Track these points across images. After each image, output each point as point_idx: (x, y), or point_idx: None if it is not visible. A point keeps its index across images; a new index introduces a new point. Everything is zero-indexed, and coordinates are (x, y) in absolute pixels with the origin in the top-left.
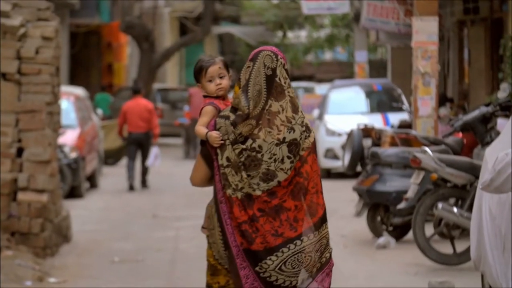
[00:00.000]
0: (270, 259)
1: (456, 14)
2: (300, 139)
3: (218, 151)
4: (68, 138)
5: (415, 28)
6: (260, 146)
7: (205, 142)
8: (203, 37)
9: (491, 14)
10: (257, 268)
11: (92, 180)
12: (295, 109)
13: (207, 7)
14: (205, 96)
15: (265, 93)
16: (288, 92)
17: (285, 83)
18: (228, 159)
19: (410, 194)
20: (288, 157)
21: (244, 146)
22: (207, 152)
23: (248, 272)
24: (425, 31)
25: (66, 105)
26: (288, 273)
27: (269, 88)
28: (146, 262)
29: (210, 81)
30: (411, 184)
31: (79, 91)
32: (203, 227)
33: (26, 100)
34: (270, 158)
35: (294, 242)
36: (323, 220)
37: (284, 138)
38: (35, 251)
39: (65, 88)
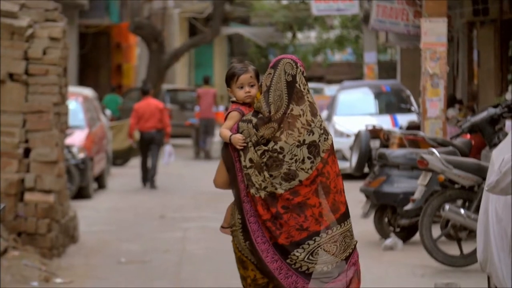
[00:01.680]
0: (297, 251)
1: (466, 15)
2: (319, 141)
3: (241, 153)
4: (76, 138)
5: (424, 29)
6: (281, 148)
7: (227, 145)
8: (212, 38)
9: (501, 16)
10: (288, 261)
11: (100, 181)
12: (313, 113)
13: (217, 8)
14: (232, 102)
15: (286, 98)
16: (307, 97)
17: (304, 88)
18: (251, 160)
19: (417, 195)
20: (309, 158)
21: (266, 148)
22: (227, 156)
23: (280, 264)
24: (434, 32)
25: (75, 106)
26: (317, 261)
27: (290, 93)
28: (153, 263)
29: (240, 87)
30: (418, 186)
31: (88, 91)
32: (222, 227)
33: (33, 100)
34: (291, 159)
35: (320, 235)
36: (346, 215)
37: (304, 140)
38: (41, 252)
39: (74, 89)
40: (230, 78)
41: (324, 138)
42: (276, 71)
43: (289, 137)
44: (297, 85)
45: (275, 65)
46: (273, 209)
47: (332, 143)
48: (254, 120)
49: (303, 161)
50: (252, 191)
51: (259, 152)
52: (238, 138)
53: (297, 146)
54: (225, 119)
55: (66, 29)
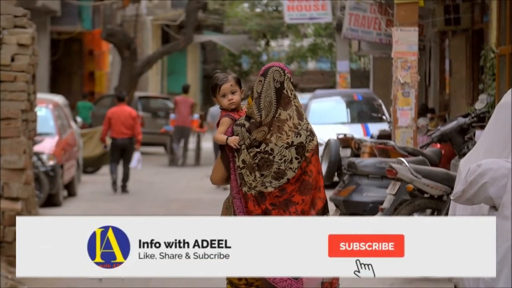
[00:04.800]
0: None
1: (438, 24)
2: (306, 142)
3: (235, 154)
4: (46, 145)
5: (395, 38)
6: (272, 149)
7: (223, 148)
8: (185, 46)
9: (472, 25)
10: None
11: (70, 188)
12: (300, 116)
13: (190, 15)
14: (221, 109)
15: (275, 104)
16: (294, 102)
17: (291, 94)
18: (244, 161)
19: (386, 204)
20: (296, 158)
21: (258, 150)
22: (225, 156)
23: None
24: (405, 41)
25: (45, 113)
26: None
27: (278, 99)
28: None
29: (223, 96)
30: (387, 195)
31: (58, 98)
32: None
33: (1, 107)
34: (280, 159)
35: None
36: (324, 210)
37: (292, 142)
38: (8, 260)
39: (44, 96)
40: (214, 89)
41: (310, 139)
42: (266, 78)
43: (279, 139)
44: (284, 91)
45: (265, 73)
46: (262, 206)
47: (317, 144)
48: (247, 124)
49: (291, 161)
50: (245, 189)
51: (251, 154)
52: (234, 139)
53: (286, 148)
54: (217, 125)
55: (35, 36)
